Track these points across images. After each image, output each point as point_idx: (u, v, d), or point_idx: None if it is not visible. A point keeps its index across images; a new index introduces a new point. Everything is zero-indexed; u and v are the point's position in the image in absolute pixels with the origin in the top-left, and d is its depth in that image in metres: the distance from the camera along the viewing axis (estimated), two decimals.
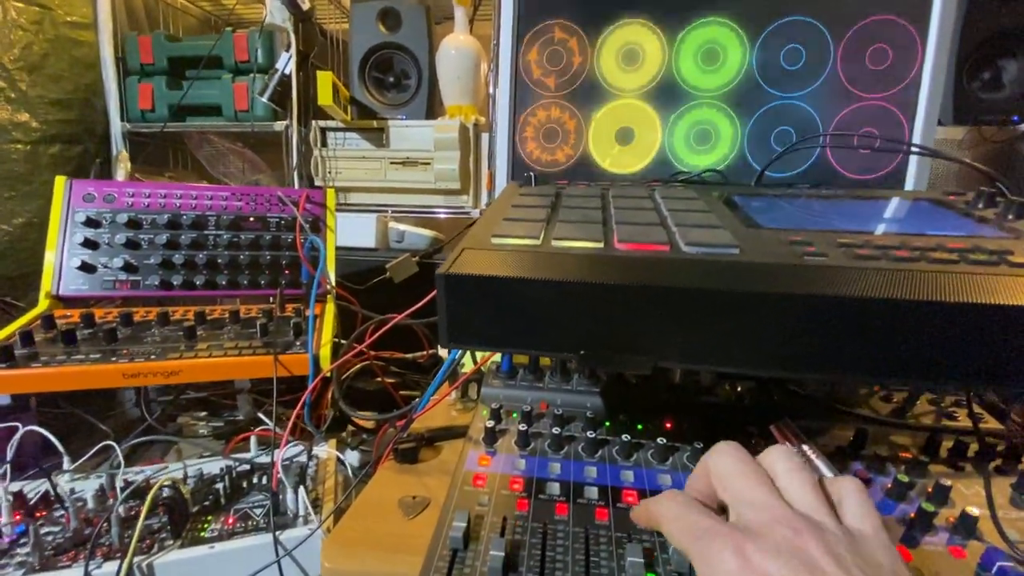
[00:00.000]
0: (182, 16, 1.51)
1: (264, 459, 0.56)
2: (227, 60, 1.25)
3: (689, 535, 0.26)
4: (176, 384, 0.74)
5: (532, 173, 0.52)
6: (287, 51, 1.16)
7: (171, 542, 0.46)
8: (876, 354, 0.27)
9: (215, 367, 0.58)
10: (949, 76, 1.05)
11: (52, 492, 0.50)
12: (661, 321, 0.27)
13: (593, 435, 0.41)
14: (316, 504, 0.50)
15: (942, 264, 0.31)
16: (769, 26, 0.60)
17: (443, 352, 0.75)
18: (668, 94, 0.63)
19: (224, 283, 0.73)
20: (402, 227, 1.07)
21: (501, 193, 0.49)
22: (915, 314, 0.27)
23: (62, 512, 0.49)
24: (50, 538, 0.46)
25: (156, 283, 0.70)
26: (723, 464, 0.28)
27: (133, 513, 0.48)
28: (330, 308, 0.70)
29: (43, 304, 0.66)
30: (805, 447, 0.38)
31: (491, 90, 1.14)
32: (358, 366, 0.72)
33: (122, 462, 0.52)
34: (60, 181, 0.70)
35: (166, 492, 0.47)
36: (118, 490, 0.50)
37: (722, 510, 0.28)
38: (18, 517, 0.48)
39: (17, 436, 0.52)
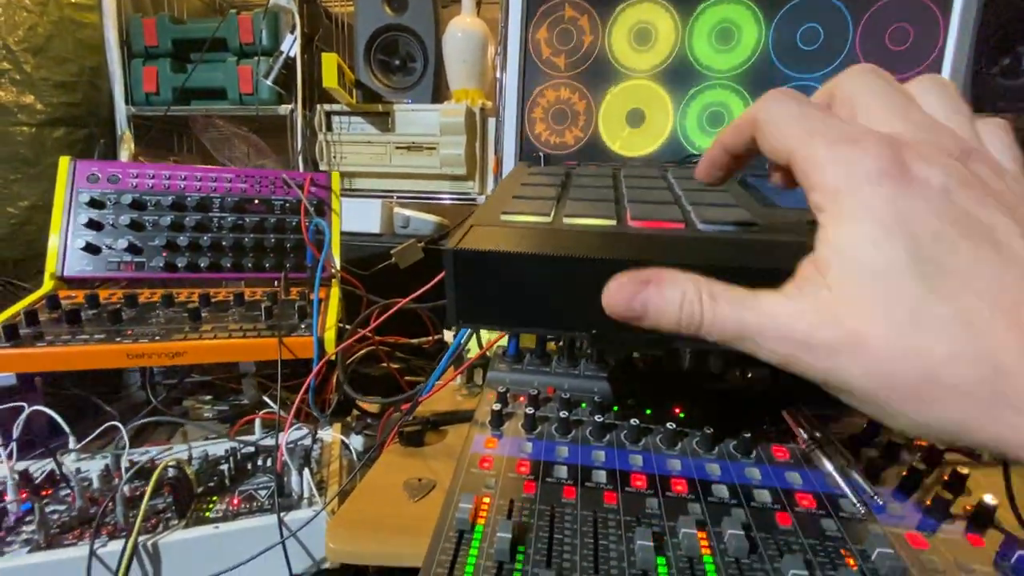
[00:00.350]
0: None
1: (268, 442, 0.55)
2: (231, 42, 1.24)
3: (821, 135, 0.20)
4: (181, 367, 0.75)
5: (542, 153, 0.51)
6: (292, 33, 1.15)
7: (176, 522, 0.45)
8: None
9: (219, 349, 0.58)
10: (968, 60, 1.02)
11: (58, 471, 0.50)
12: None
13: (601, 419, 0.41)
14: (320, 486, 0.50)
15: None
16: (786, 4, 0.59)
17: (448, 337, 0.74)
18: (681, 74, 0.61)
19: (228, 266, 0.72)
20: (408, 212, 1.06)
21: (510, 173, 0.48)
22: None
23: (67, 491, 0.49)
24: (55, 516, 0.46)
25: (160, 265, 0.70)
26: (855, 83, 0.22)
27: (138, 493, 0.48)
28: (335, 292, 0.70)
29: (48, 285, 0.66)
30: (819, 433, 0.37)
31: (498, 74, 1.13)
32: (363, 351, 0.72)
33: (127, 442, 0.52)
34: (64, 161, 0.70)
35: (171, 472, 0.47)
36: (123, 470, 0.50)
37: None
38: (24, 495, 0.48)
39: (23, 416, 0.53)
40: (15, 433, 0.53)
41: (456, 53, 1.16)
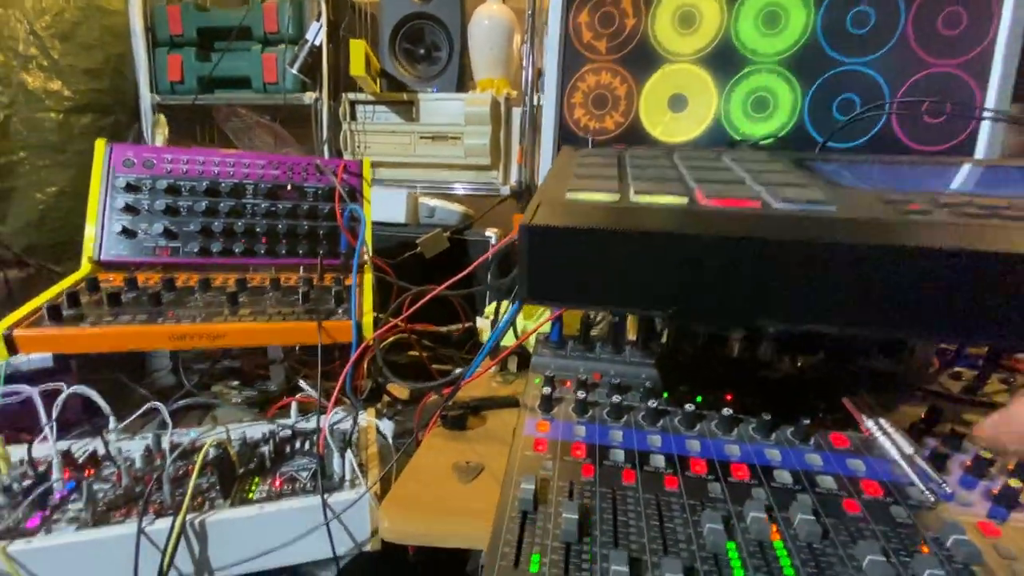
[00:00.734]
0: None
1: (305, 425, 0.55)
2: (256, 31, 1.24)
3: None
4: (214, 351, 0.75)
5: (590, 136, 0.50)
6: (317, 21, 1.15)
7: (220, 501, 0.46)
8: (1004, 316, 0.25)
9: (259, 332, 0.58)
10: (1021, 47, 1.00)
11: (105, 449, 0.50)
12: (761, 278, 0.25)
13: (654, 404, 0.40)
14: (361, 469, 0.50)
15: None
16: None
17: (480, 324, 0.74)
18: (725, 59, 0.60)
19: (262, 252, 0.72)
20: (433, 202, 1.06)
21: (559, 156, 0.47)
22: None
23: (111, 470, 0.49)
24: (100, 495, 0.46)
25: (196, 250, 0.70)
26: None
27: (181, 472, 0.48)
28: (368, 278, 0.70)
29: (86, 267, 0.66)
30: (883, 421, 0.37)
31: (524, 63, 1.12)
32: (392, 338, 0.72)
33: (169, 423, 0.52)
34: (101, 144, 0.70)
35: (212, 453, 0.47)
36: (166, 450, 0.50)
37: None
38: (68, 474, 0.48)
39: (63, 396, 0.53)
40: (54, 413, 0.53)
41: (482, 42, 1.15)
